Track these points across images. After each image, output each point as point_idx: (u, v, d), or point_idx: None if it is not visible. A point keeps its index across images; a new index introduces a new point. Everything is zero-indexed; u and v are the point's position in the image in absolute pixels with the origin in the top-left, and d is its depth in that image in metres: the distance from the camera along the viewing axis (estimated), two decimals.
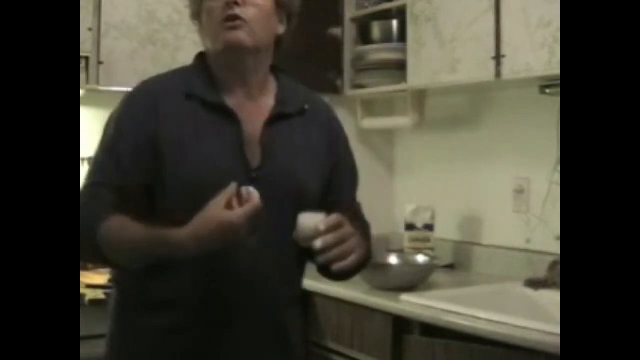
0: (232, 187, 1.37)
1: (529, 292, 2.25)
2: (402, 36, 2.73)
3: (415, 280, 2.35)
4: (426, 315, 2.05)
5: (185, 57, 2.80)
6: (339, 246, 1.42)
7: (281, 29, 1.60)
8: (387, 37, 2.84)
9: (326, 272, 1.57)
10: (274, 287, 1.55)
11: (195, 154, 1.48)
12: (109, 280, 1.65)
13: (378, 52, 2.85)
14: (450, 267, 2.77)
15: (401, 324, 2.12)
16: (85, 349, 2.21)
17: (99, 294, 2.32)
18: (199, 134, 1.50)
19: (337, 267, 1.43)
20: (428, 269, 2.45)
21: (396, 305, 2.15)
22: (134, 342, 1.54)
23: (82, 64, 2.51)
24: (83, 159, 2.77)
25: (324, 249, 1.41)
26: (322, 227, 1.41)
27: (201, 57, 1.62)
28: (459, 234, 2.83)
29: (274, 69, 1.64)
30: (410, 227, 2.78)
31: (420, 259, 2.53)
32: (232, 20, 1.50)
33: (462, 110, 2.85)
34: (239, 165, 1.51)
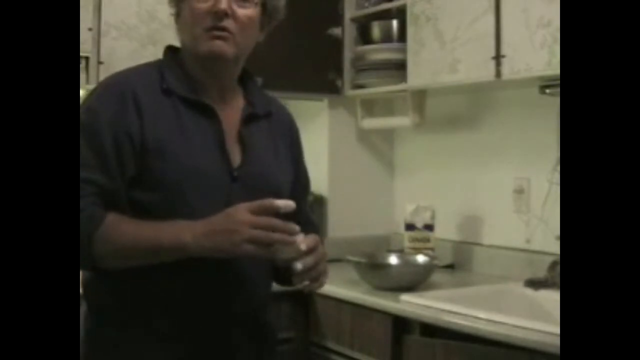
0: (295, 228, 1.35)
1: (529, 292, 2.25)
2: (402, 36, 2.73)
3: (415, 280, 2.36)
4: (426, 315, 2.05)
5: None
6: (315, 268, 1.39)
7: (261, 37, 1.58)
8: (387, 37, 2.84)
9: (278, 278, 1.58)
10: (258, 285, 1.53)
11: (180, 149, 1.44)
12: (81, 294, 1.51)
13: (378, 52, 2.85)
14: (450, 267, 2.77)
15: (401, 324, 2.12)
16: None
17: None
18: (182, 131, 1.46)
19: (308, 289, 1.41)
20: (428, 269, 2.45)
21: (396, 305, 2.15)
22: (116, 354, 1.46)
23: (82, 64, 2.51)
24: None
25: (303, 271, 1.37)
26: (303, 247, 1.36)
27: (172, 50, 1.57)
28: (459, 234, 2.83)
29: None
30: (410, 227, 2.77)
31: (420, 259, 2.54)
32: (219, 30, 1.46)
33: (462, 110, 2.85)
34: (222, 163, 1.49)
